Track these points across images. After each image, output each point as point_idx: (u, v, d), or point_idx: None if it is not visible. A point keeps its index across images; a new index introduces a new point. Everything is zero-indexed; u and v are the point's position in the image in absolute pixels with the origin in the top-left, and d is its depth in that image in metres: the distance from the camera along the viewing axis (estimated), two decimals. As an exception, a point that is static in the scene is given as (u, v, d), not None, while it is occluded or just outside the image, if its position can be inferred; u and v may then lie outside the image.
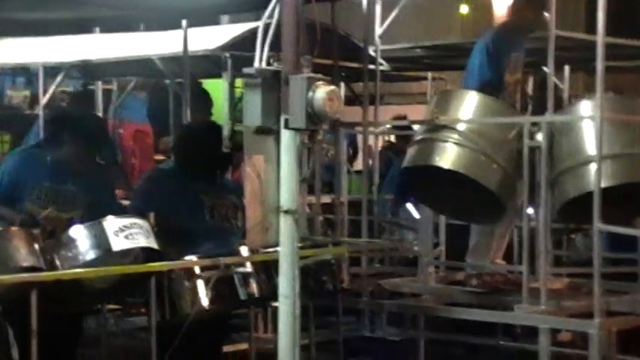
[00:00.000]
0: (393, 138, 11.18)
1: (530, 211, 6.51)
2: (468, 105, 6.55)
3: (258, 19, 5.26)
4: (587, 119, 6.13)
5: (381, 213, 8.00)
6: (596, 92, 6.03)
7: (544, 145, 6.17)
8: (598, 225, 5.93)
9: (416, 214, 7.83)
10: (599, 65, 5.96)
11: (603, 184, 5.94)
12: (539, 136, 6.20)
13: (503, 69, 6.86)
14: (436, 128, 6.52)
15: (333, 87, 4.90)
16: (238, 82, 5.17)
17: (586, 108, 6.25)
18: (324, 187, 7.51)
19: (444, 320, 6.84)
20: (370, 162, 8.08)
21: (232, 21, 10.47)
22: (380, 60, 7.97)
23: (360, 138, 8.75)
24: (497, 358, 7.41)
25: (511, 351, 7.31)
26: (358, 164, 10.10)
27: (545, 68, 7.11)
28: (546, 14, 6.56)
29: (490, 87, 6.72)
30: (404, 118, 9.10)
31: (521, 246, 6.54)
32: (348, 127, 7.73)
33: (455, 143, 6.38)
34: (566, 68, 9.69)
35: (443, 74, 11.37)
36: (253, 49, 5.02)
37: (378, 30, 7.89)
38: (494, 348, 7.37)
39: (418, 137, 6.73)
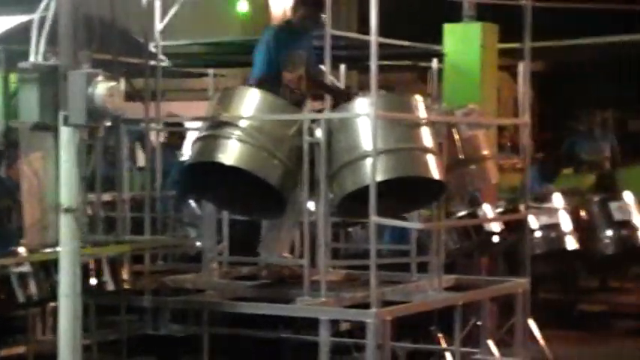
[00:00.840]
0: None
1: (311, 205, 6.63)
2: (250, 102, 6.61)
3: (32, 11, 5.11)
4: (363, 116, 6.30)
5: (164, 210, 7.94)
6: (370, 90, 6.21)
7: (323, 141, 6.31)
8: (374, 218, 6.12)
9: (199, 211, 7.82)
10: (373, 64, 6.14)
11: (378, 178, 6.14)
12: (319, 133, 6.33)
13: (281, 66, 6.95)
14: (218, 125, 6.55)
15: (113, 83, 4.84)
16: (13, 76, 5.02)
17: (361, 105, 6.42)
18: (105, 184, 7.38)
19: (231, 315, 6.87)
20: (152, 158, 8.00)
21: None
22: (160, 56, 7.91)
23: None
24: (281, 351, 7.50)
25: (294, 343, 7.42)
26: (140, 161, 9.98)
27: (322, 67, 7.26)
28: (322, 14, 6.72)
29: (266, 83, 6.80)
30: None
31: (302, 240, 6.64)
32: (129, 124, 7.62)
33: (237, 140, 6.43)
34: (342, 66, 9.92)
35: (224, 71, 11.40)
36: (28, 43, 4.87)
37: (159, 25, 7.83)
38: (278, 341, 7.45)
39: (201, 134, 6.72)
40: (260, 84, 6.78)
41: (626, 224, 9.62)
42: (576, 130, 13.45)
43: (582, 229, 9.33)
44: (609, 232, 9.58)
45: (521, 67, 11.17)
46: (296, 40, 7.09)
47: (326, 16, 6.47)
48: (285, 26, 7.39)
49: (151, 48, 7.76)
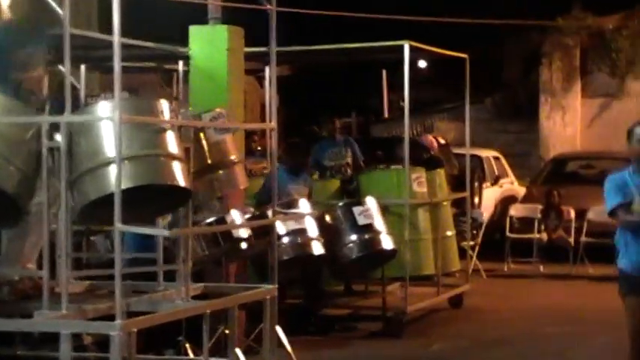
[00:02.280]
0: None
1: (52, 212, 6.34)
2: (-19, 104, 6.23)
3: None
4: (106, 120, 6.09)
5: None
6: (113, 92, 6.02)
7: (63, 146, 6.04)
8: (118, 226, 5.92)
9: None
10: (116, 65, 5.95)
11: (123, 186, 5.94)
12: (58, 137, 6.07)
13: (8, 67, 6.60)
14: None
15: None
16: None
17: (104, 109, 6.20)
18: None
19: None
20: None
21: None
22: None
23: None
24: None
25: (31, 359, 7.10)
26: None
27: (61, 67, 6.97)
28: (60, 11, 6.44)
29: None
30: None
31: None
32: None
33: (-32, 145, 6.03)
34: (82, 67, 9.63)
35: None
36: None
37: None
38: (15, 357, 7.10)
39: None
40: None
41: (369, 228, 9.87)
42: (319, 135, 13.71)
43: (328, 234, 9.48)
44: (353, 237, 9.79)
45: (268, 72, 11.35)
46: (24, 39, 6.74)
47: (63, 13, 6.19)
48: (8, 24, 7.03)
49: None
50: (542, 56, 20.11)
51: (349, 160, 12.12)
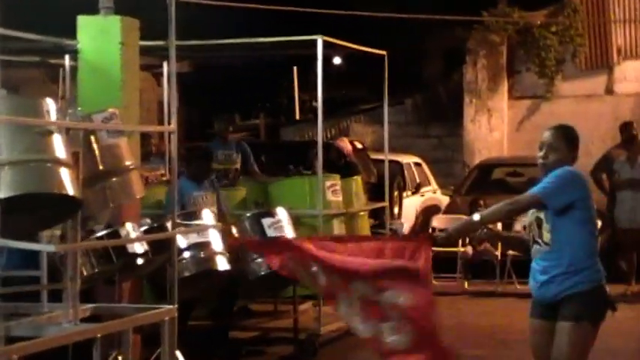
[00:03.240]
0: None
1: None
2: None
3: None
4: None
5: None
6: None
7: None
8: (-3, 240, 5.79)
9: None
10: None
11: (2, 195, 5.84)
12: None
13: None
14: None
15: None
16: None
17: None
18: None
19: None
20: None
21: None
22: None
23: None
24: None
25: None
26: None
27: None
28: None
29: None
30: None
31: None
32: None
33: None
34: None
35: None
36: None
37: None
38: None
39: None
40: None
41: (280, 241, 9.83)
42: (213, 135, 13.63)
43: (234, 247, 9.42)
44: (262, 251, 9.74)
45: (167, 68, 11.24)
46: None
47: None
48: None
49: None
50: (467, 54, 20.33)
51: (238, 165, 12.13)
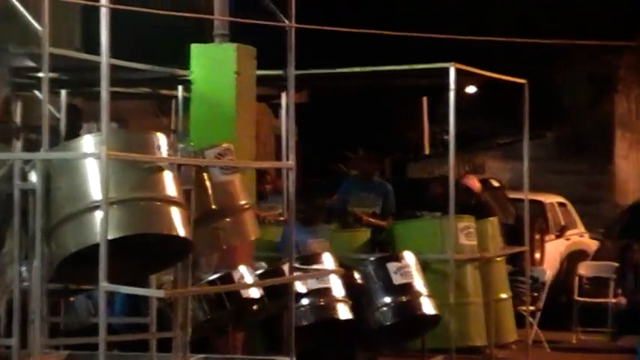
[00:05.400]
0: None
1: (22, 268, 6.41)
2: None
3: None
4: (90, 157, 6.17)
5: None
6: (99, 123, 6.10)
7: (39, 188, 6.13)
8: (104, 284, 5.98)
9: None
10: (104, 91, 6.04)
11: (110, 236, 6.01)
12: (34, 177, 6.15)
13: None
14: None
15: None
16: None
17: (89, 144, 6.29)
18: None
19: None
20: None
21: None
22: None
23: None
24: None
25: None
26: None
27: (37, 92, 7.08)
28: (38, 27, 6.56)
29: None
30: None
31: (11, 314, 6.41)
32: None
33: None
34: (63, 93, 9.73)
35: None
36: None
37: None
38: None
39: None
40: None
41: (407, 289, 9.86)
42: (346, 174, 13.72)
43: (356, 295, 9.49)
44: (387, 299, 9.79)
45: (284, 99, 11.41)
46: None
47: (42, 29, 6.31)
48: None
49: None
50: (618, 82, 20.07)
51: (378, 209, 12.09)
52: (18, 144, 6.69)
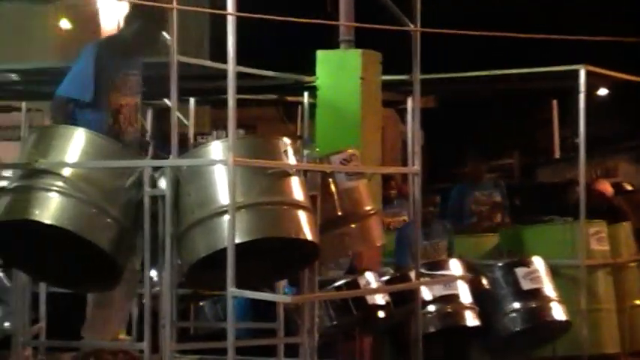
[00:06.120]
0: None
1: (152, 273, 6.57)
2: (75, 145, 6.54)
3: None
4: (218, 163, 6.30)
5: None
6: (226, 130, 6.22)
7: (168, 194, 6.28)
8: (232, 290, 6.10)
9: (7, 282, 7.66)
10: (231, 98, 6.17)
11: (237, 240, 6.14)
12: (163, 183, 6.30)
13: (104, 89, 6.96)
14: (35, 174, 6.45)
15: None
16: None
17: (217, 150, 6.42)
18: None
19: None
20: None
21: None
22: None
23: None
24: None
25: None
26: None
27: (166, 100, 7.24)
28: (166, 36, 6.73)
29: (86, 107, 6.83)
30: None
31: (142, 317, 6.58)
32: None
33: (58, 192, 6.34)
34: (191, 100, 9.91)
35: (40, 104, 11.27)
36: None
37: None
38: None
39: (12, 185, 6.60)
40: (56, 108, 6.82)
41: (536, 294, 9.81)
42: (464, 177, 13.67)
43: (484, 301, 9.47)
44: (516, 305, 9.75)
45: (410, 104, 11.43)
46: (127, 59, 7.10)
47: (170, 38, 6.48)
48: (113, 41, 7.43)
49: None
50: None
51: (499, 209, 12.06)
52: (149, 152, 6.86)
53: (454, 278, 9.24)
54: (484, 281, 9.80)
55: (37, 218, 6.36)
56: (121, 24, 7.43)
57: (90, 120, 6.94)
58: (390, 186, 12.64)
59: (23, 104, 10.90)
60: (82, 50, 7.17)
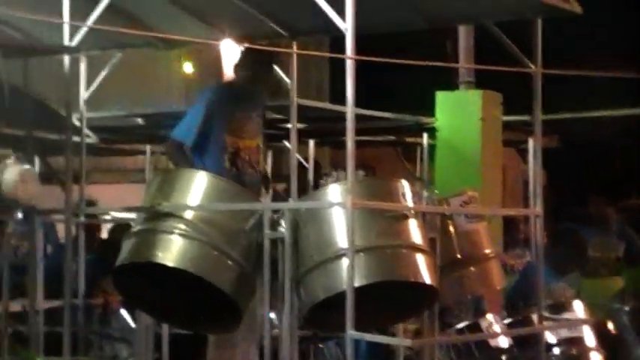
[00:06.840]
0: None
1: (272, 315, 6.62)
2: (197, 187, 6.65)
3: None
4: (337, 206, 6.34)
5: (88, 322, 7.89)
6: (345, 172, 6.26)
7: (288, 237, 6.34)
8: (351, 332, 6.11)
9: (132, 323, 7.78)
10: (349, 140, 6.22)
11: (356, 284, 6.15)
12: (282, 226, 6.37)
13: (219, 132, 7.09)
14: (157, 216, 6.57)
15: (26, 166, 4.85)
16: None
17: (335, 193, 6.47)
18: (14, 290, 7.34)
19: None
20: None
21: None
22: (86, 130, 7.96)
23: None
24: None
25: None
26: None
27: (286, 142, 7.33)
28: (287, 79, 6.83)
29: (193, 149, 6.96)
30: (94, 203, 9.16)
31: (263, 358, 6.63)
32: (46, 215, 7.59)
33: (180, 235, 6.44)
34: (311, 142, 9.97)
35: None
36: None
37: (84, 94, 7.90)
38: None
39: (136, 227, 6.74)
40: (176, 150, 6.98)
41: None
42: (586, 219, 13.47)
43: (610, 345, 9.34)
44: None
45: (532, 144, 11.35)
46: (241, 103, 7.22)
47: (291, 81, 6.58)
48: (227, 86, 7.56)
49: (75, 121, 7.80)
50: None
51: (620, 253, 11.85)
52: (269, 194, 6.95)
53: (578, 322, 9.12)
54: (610, 325, 9.66)
55: (160, 261, 6.48)
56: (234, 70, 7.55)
57: (204, 163, 7.09)
58: (515, 227, 12.53)
59: (148, 147, 11.08)
60: (198, 94, 7.32)
